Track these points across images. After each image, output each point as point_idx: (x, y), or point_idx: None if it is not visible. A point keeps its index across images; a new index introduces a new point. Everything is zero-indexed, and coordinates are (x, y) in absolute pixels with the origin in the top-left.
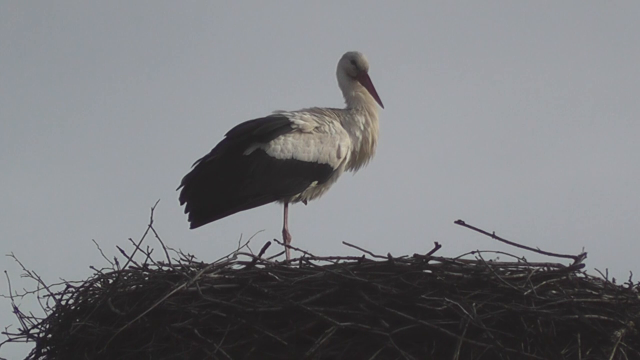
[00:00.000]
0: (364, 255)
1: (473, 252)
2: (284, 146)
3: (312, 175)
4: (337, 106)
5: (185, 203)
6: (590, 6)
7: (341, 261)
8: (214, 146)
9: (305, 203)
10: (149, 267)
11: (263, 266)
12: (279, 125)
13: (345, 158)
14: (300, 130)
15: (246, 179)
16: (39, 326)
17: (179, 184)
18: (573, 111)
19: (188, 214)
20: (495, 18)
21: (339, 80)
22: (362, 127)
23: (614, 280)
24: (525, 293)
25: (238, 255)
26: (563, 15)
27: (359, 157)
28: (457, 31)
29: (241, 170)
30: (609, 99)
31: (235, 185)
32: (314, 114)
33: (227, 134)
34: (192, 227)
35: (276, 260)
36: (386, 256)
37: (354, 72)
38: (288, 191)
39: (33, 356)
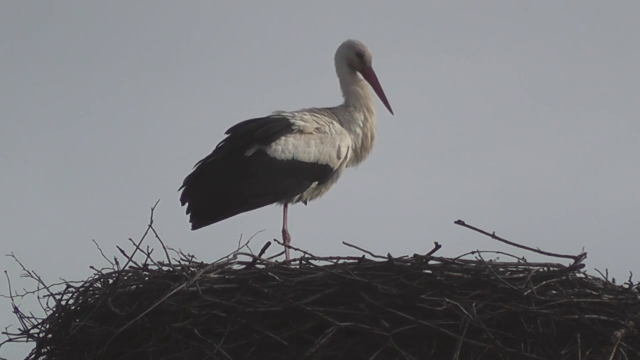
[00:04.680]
0: (364, 255)
1: (473, 252)
2: (284, 147)
3: (313, 176)
4: (335, 103)
5: (187, 204)
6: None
7: (341, 261)
8: (214, 146)
9: (305, 203)
10: (149, 267)
11: (263, 266)
12: (279, 126)
13: (345, 158)
14: (301, 131)
15: (247, 179)
16: (39, 326)
17: (180, 184)
18: (573, 109)
19: (189, 215)
20: (456, 17)
21: (338, 71)
22: (361, 124)
23: (614, 280)
24: (525, 293)
25: (238, 255)
26: (527, 13)
27: (360, 154)
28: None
29: (242, 171)
30: (607, 94)
31: (236, 186)
32: (314, 114)
33: (227, 133)
34: (194, 228)
35: (276, 261)
36: (386, 256)
37: (358, 65)
38: (289, 192)
39: (33, 356)
